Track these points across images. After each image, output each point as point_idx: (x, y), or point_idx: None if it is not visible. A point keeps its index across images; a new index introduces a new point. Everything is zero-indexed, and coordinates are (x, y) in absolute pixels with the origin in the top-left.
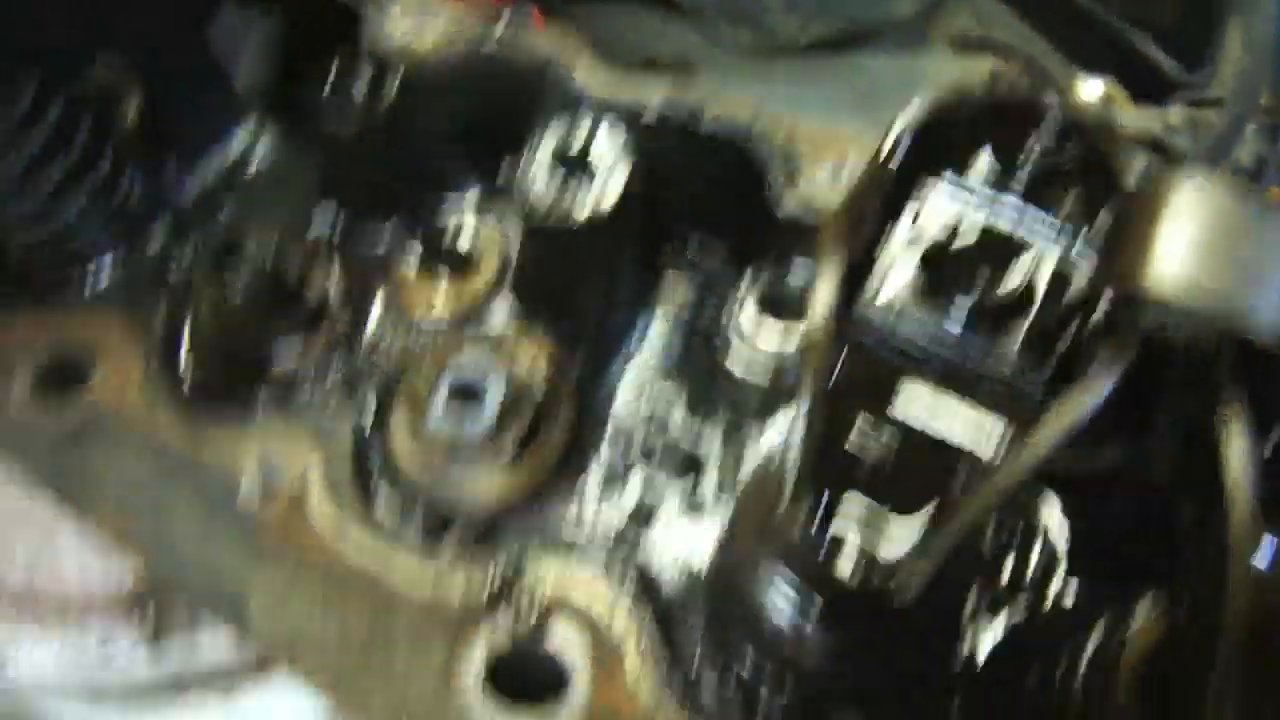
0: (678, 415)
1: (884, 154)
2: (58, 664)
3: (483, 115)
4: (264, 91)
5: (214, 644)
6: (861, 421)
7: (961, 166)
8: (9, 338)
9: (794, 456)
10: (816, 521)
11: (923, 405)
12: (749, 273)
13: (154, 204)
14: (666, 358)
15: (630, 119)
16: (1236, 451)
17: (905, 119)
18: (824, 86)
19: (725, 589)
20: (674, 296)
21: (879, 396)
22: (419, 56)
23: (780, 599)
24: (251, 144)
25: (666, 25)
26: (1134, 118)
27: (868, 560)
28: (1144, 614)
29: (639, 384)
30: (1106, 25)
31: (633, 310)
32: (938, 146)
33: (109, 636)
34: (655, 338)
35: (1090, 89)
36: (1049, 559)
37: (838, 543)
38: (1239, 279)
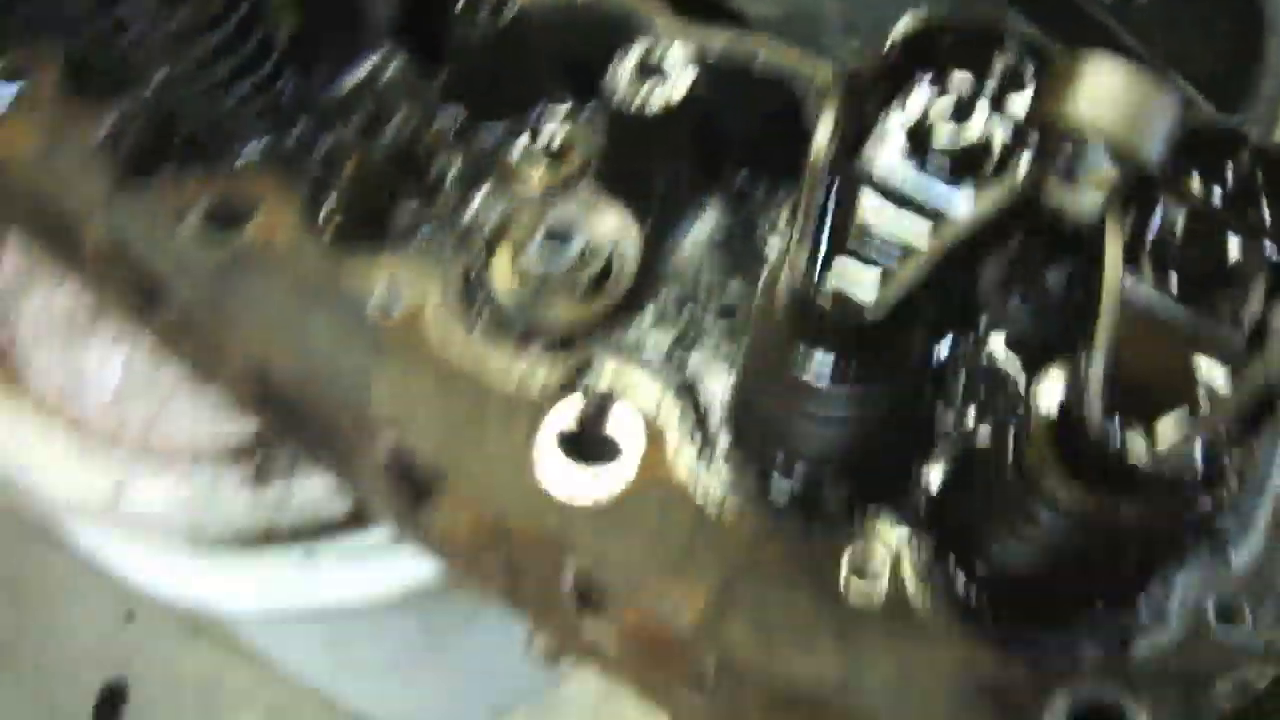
0: (721, 276)
1: (886, 59)
2: (166, 500)
3: (579, 46)
4: (395, 17)
5: (308, 494)
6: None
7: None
8: (182, 189)
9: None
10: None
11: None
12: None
13: (302, 102)
14: (716, 233)
15: (697, 56)
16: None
17: (900, 28)
18: None
19: (750, 378)
20: (726, 190)
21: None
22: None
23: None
24: (386, 59)
25: None
26: None
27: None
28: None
29: (692, 249)
30: (1147, 66)
31: (692, 195)
32: (925, 53)
33: (215, 481)
34: (708, 217)
35: None
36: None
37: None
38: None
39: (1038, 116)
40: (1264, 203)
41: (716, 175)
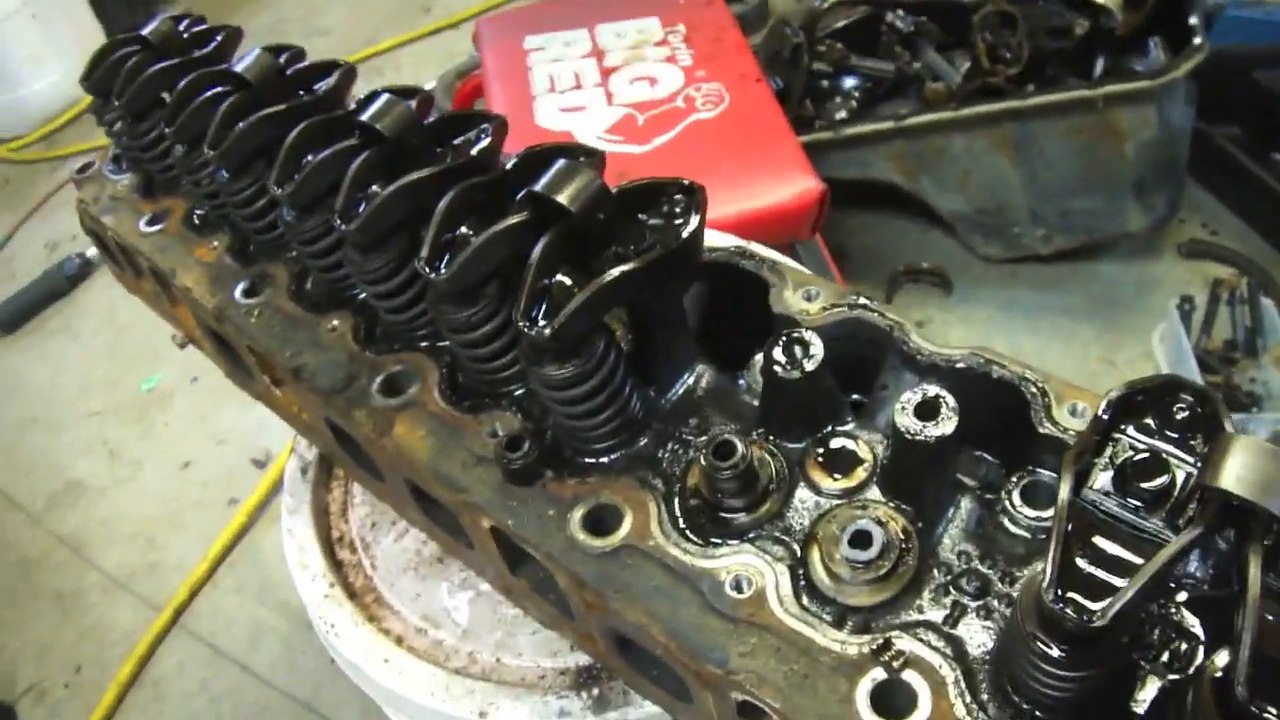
0: (975, 561)
1: (1100, 418)
2: (524, 717)
3: (850, 356)
4: (697, 335)
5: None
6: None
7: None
8: (564, 491)
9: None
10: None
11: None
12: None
13: (645, 415)
14: (968, 523)
15: (944, 368)
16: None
17: (1109, 398)
18: (1065, 292)
19: (1007, 652)
20: (970, 486)
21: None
22: (810, 317)
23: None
24: (701, 372)
25: (927, 235)
26: None
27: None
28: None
29: (950, 540)
30: None
31: (952, 493)
32: (1125, 411)
33: (564, 706)
34: (962, 510)
35: None
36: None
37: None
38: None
39: (1200, 484)
40: None
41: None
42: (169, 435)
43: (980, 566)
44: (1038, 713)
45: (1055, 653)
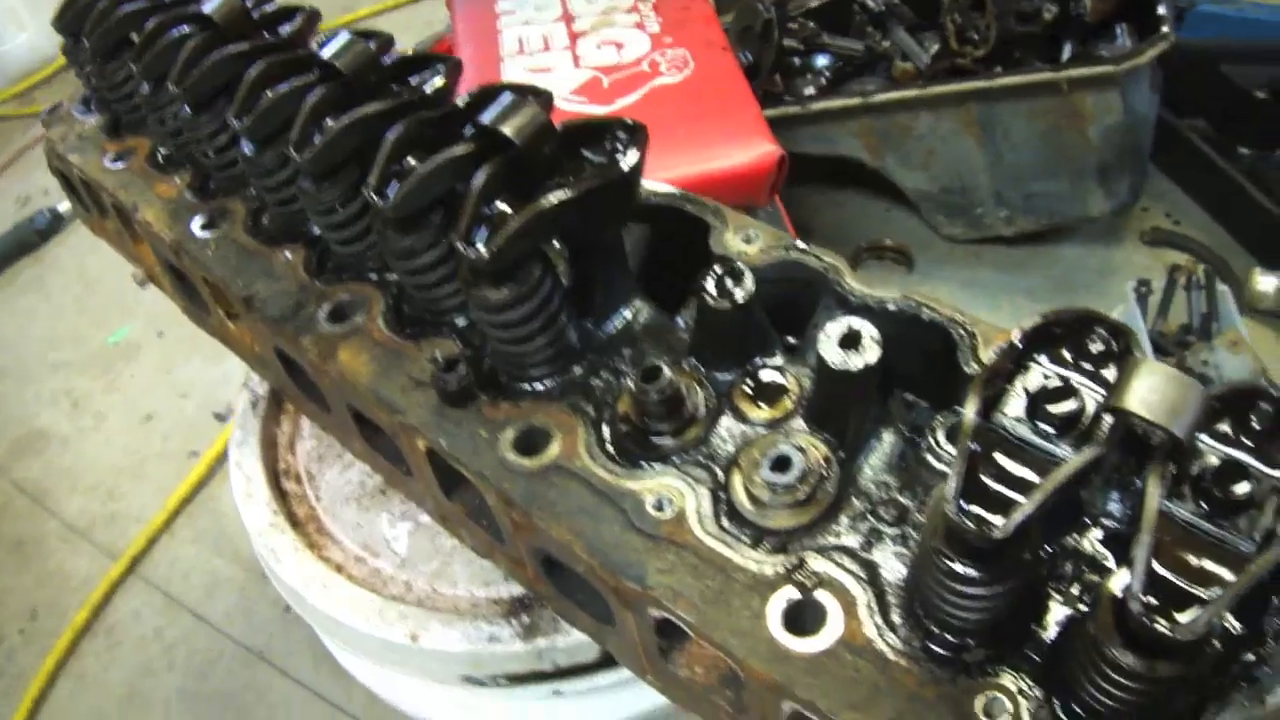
0: (895, 492)
1: (1014, 345)
2: (453, 646)
3: (781, 297)
4: (638, 269)
5: (567, 645)
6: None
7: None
8: (496, 414)
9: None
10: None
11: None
12: (944, 414)
13: (581, 344)
14: (891, 456)
15: (877, 309)
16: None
17: (1023, 327)
18: (1026, 274)
19: (918, 571)
20: (896, 421)
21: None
22: (748, 258)
23: (946, 568)
24: (639, 307)
25: (891, 213)
26: None
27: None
28: None
29: (872, 469)
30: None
31: (876, 426)
32: (1042, 342)
33: (494, 633)
34: (884, 443)
35: (1267, 281)
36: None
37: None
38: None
39: (1106, 406)
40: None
41: (884, 397)
42: (133, 388)
43: (900, 497)
44: (948, 635)
45: (959, 568)
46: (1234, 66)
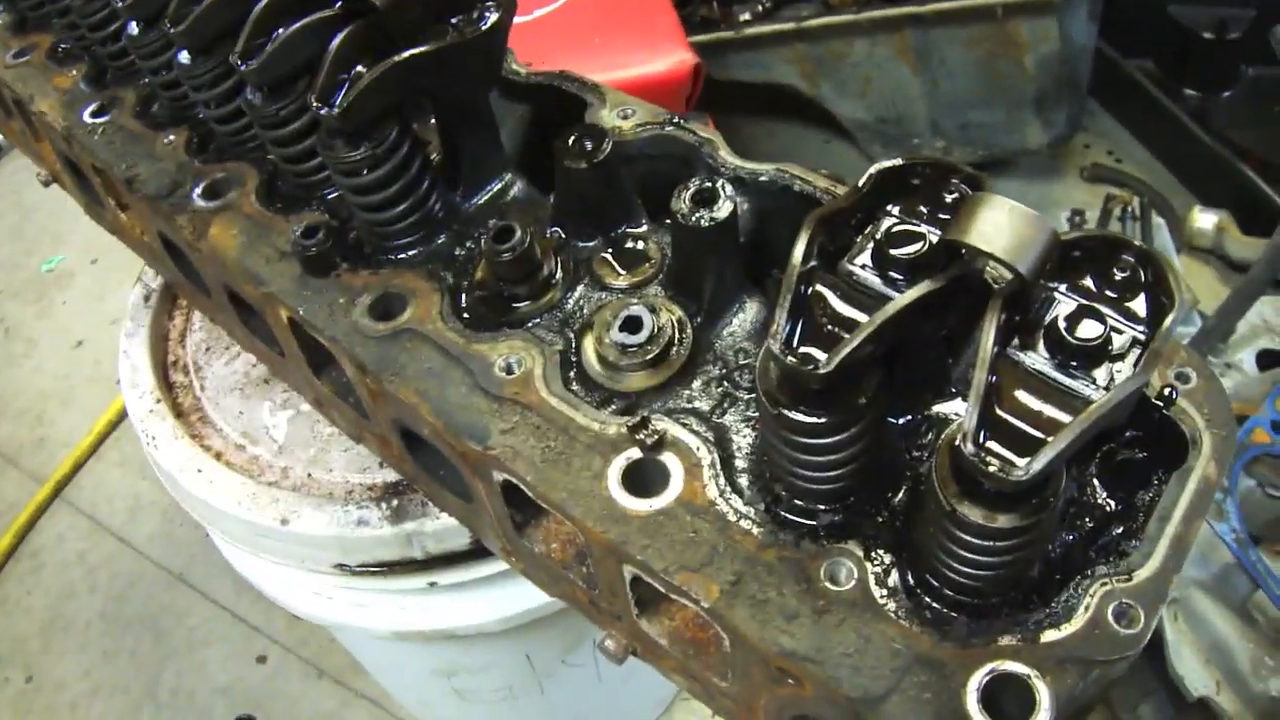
0: (751, 356)
1: (858, 187)
2: (324, 529)
3: (658, 173)
4: (518, 151)
5: (436, 529)
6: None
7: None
8: (355, 281)
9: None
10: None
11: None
12: None
13: (446, 215)
14: (753, 325)
15: (750, 181)
16: (987, 338)
17: (874, 169)
18: None
19: (761, 428)
20: (767, 295)
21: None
22: (623, 133)
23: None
24: (511, 182)
25: (830, 145)
26: (1242, 246)
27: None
28: None
29: (732, 337)
30: (1228, 163)
31: (736, 294)
32: (893, 188)
33: (363, 516)
34: (748, 312)
35: (1206, 219)
36: None
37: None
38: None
39: (950, 238)
40: (1143, 291)
41: (761, 275)
42: (65, 314)
43: (754, 362)
44: (796, 500)
45: (792, 415)
46: (1181, 7)
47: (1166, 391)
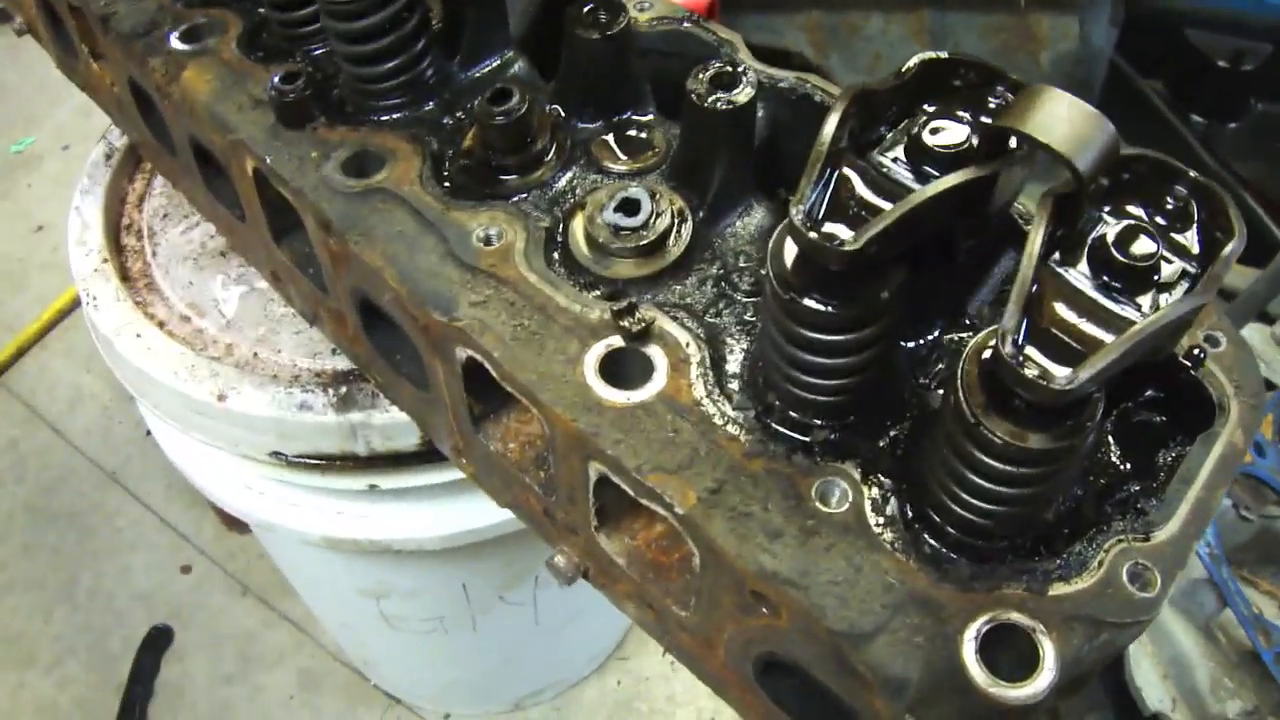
0: (757, 262)
1: (900, 73)
2: (262, 410)
3: (670, 73)
4: (525, 35)
5: (383, 423)
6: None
7: (946, 103)
8: (332, 136)
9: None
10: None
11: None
12: None
13: (438, 83)
14: (759, 229)
15: (769, 86)
16: (1034, 238)
17: (917, 58)
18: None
19: (763, 326)
20: (769, 196)
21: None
22: (638, 24)
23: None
24: (511, 60)
25: None
26: (1237, 275)
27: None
28: None
29: (736, 239)
30: (1232, 190)
31: (743, 194)
32: (933, 86)
33: (306, 400)
34: (754, 216)
35: None
36: None
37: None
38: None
39: (1003, 124)
40: (1195, 225)
41: (771, 187)
42: (29, 197)
43: (762, 270)
44: (791, 411)
45: (810, 304)
46: (1199, 33)
47: (1196, 352)
